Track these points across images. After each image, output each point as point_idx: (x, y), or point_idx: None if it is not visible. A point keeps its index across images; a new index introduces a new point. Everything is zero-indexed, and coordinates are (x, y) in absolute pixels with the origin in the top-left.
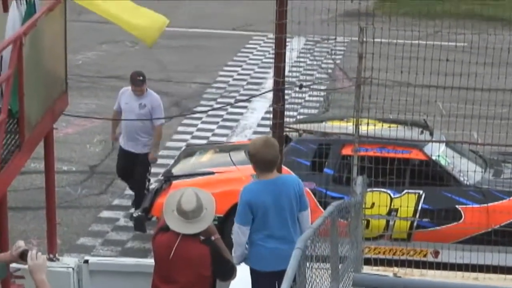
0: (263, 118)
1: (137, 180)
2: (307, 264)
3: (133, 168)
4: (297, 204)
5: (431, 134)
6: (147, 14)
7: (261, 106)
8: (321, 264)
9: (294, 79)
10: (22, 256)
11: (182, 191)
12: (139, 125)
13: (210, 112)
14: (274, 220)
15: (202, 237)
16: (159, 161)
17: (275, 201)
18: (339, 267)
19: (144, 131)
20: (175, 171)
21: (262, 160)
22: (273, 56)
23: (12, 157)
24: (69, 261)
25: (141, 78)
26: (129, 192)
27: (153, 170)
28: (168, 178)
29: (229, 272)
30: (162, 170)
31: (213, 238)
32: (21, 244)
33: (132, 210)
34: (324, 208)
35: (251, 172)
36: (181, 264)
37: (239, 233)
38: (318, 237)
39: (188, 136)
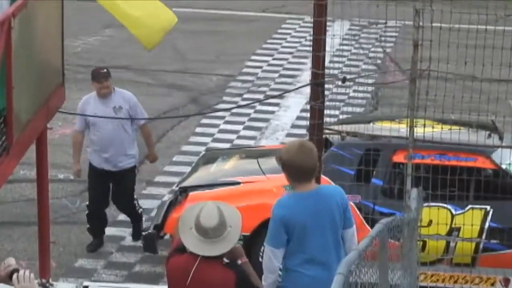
0: (298, 118)
1: (127, 201)
2: None
3: (117, 189)
4: (341, 221)
5: (501, 138)
6: (157, 8)
7: (296, 103)
8: None
9: (336, 71)
10: (12, 276)
11: (201, 205)
12: (123, 135)
13: (234, 110)
14: (314, 241)
15: (226, 260)
16: (173, 169)
17: (314, 218)
18: None
19: (130, 141)
20: (193, 180)
21: (297, 169)
22: (311, 43)
23: None
24: (66, 287)
25: (105, 70)
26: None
27: (166, 179)
28: (184, 189)
29: None
30: (176, 180)
31: (239, 261)
32: (11, 262)
33: (142, 226)
34: (372, 226)
35: (284, 183)
36: None
37: (271, 257)
38: (364, 261)
39: (208, 139)
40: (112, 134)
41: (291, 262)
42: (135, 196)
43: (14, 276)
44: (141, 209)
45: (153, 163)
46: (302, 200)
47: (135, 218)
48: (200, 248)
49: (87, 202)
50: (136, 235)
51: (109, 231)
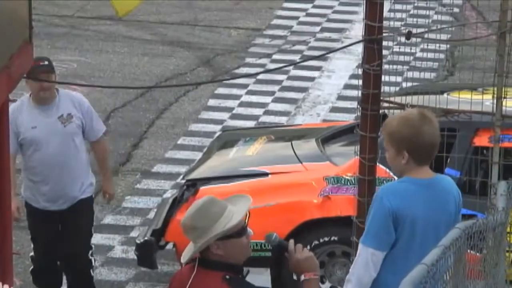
0: (346, 87)
1: (80, 251)
2: None
3: (65, 234)
4: (456, 222)
5: None
6: None
7: (344, 67)
8: None
9: (397, 24)
10: None
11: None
12: (74, 155)
13: (260, 77)
14: (425, 244)
15: (227, 276)
16: (177, 155)
17: (429, 214)
18: None
19: (84, 162)
20: (204, 171)
21: (423, 147)
22: None
23: None
24: None
25: (46, 62)
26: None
27: (168, 169)
28: (193, 182)
29: None
30: (182, 170)
31: (302, 277)
32: None
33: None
34: None
35: (325, 174)
36: None
37: (370, 262)
38: (433, 277)
39: (225, 115)
40: (58, 155)
41: (387, 275)
42: (92, 245)
43: None
44: (94, 265)
45: (110, 200)
46: (422, 189)
47: (86, 279)
48: (186, 251)
49: (31, 253)
50: None
51: (94, 239)
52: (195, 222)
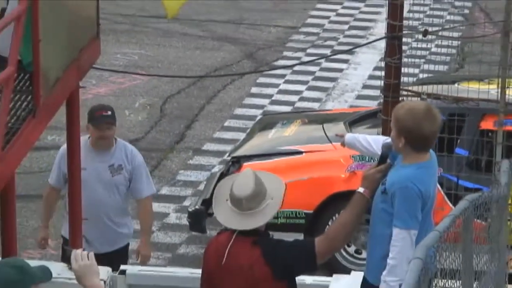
0: (370, 77)
1: None
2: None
3: None
4: None
5: None
6: None
7: (369, 60)
8: (449, 281)
9: (415, 23)
10: (64, 257)
11: (237, 175)
12: (113, 202)
13: (296, 68)
14: (431, 219)
15: (255, 238)
16: (224, 135)
17: (434, 189)
18: (474, 285)
19: (120, 212)
20: (247, 149)
21: (426, 137)
22: None
23: (22, 126)
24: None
25: (109, 113)
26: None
27: (216, 147)
28: (237, 159)
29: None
30: (228, 148)
31: (359, 188)
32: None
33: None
34: (455, 203)
35: (353, 152)
36: (233, 277)
37: (413, 241)
38: (445, 243)
39: (265, 101)
40: (100, 201)
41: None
42: None
43: (73, 254)
44: None
45: (144, 261)
46: (430, 171)
47: None
48: (231, 221)
49: None
50: None
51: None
52: (258, 187)
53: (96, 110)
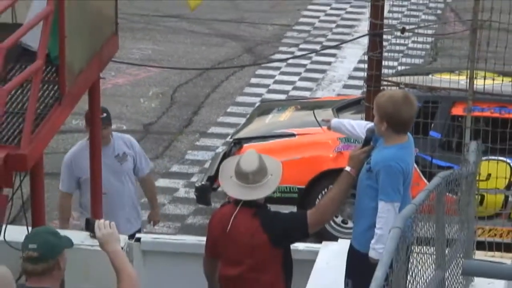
0: (355, 69)
1: None
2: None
3: None
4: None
5: None
6: None
7: (354, 54)
8: (424, 247)
9: (394, 22)
10: (88, 227)
11: (241, 155)
12: (131, 191)
13: (290, 61)
14: (409, 193)
15: (256, 209)
16: (227, 120)
17: (412, 166)
18: (446, 251)
19: (133, 198)
20: (247, 132)
21: (405, 121)
22: None
23: (50, 112)
24: None
25: (105, 115)
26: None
27: (220, 130)
28: (239, 140)
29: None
30: (230, 131)
31: (346, 168)
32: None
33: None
34: (429, 179)
35: (340, 135)
36: (236, 243)
37: (394, 213)
38: (420, 214)
39: (263, 90)
40: (117, 193)
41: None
42: None
43: (96, 224)
44: None
45: (156, 224)
46: (408, 151)
47: None
48: (239, 192)
49: None
50: None
51: (162, 182)
52: (262, 164)
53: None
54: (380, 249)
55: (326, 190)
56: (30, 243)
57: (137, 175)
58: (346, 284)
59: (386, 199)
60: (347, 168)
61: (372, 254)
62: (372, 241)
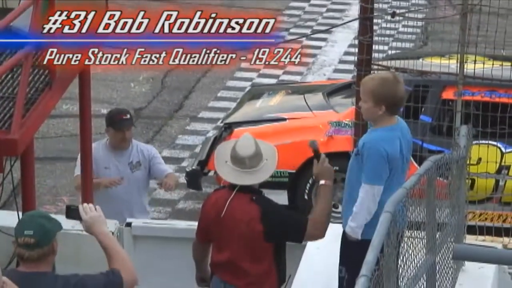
0: (346, 53)
1: None
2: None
3: None
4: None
5: None
6: None
7: (344, 38)
8: (415, 232)
9: (385, 6)
10: (69, 214)
11: (237, 139)
12: (134, 195)
13: (280, 45)
14: (402, 177)
15: (253, 196)
16: (218, 104)
17: (402, 150)
18: (437, 236)
19: (139, 209)
20: (238, 116)
21: (397, 101)
22: None
23: (40, 96)
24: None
25: (128, 116)
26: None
27: (211, 115)
28: (229, 125)
29: (300, 234)
30: (221, 115)
31: (321, 182)
32: None
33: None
34: (420, 163)
35: (329, 119)
36: (230, 229)
37: (376, 196)
38: (411, 199)
39: (253, 74)
40: (123, 196)
41: (382, 198)
42: None
43: (81, 208)
44: None
45: (166, 187)
46: (396, 133)
47: None
48: (236, 177)
49: None
50: None
51: None
52: (258, 148)
53: (116, 114)
54: (353, 226)
55: None
56: (26, 229)
57: (159, 177)
58: (340, 271)
59: (366, 180)
60: (322, 182)
61: (348, 230)
62: (349, 218)
